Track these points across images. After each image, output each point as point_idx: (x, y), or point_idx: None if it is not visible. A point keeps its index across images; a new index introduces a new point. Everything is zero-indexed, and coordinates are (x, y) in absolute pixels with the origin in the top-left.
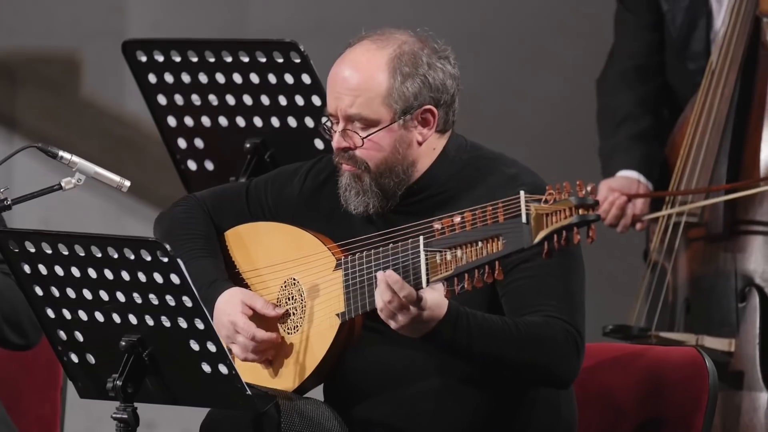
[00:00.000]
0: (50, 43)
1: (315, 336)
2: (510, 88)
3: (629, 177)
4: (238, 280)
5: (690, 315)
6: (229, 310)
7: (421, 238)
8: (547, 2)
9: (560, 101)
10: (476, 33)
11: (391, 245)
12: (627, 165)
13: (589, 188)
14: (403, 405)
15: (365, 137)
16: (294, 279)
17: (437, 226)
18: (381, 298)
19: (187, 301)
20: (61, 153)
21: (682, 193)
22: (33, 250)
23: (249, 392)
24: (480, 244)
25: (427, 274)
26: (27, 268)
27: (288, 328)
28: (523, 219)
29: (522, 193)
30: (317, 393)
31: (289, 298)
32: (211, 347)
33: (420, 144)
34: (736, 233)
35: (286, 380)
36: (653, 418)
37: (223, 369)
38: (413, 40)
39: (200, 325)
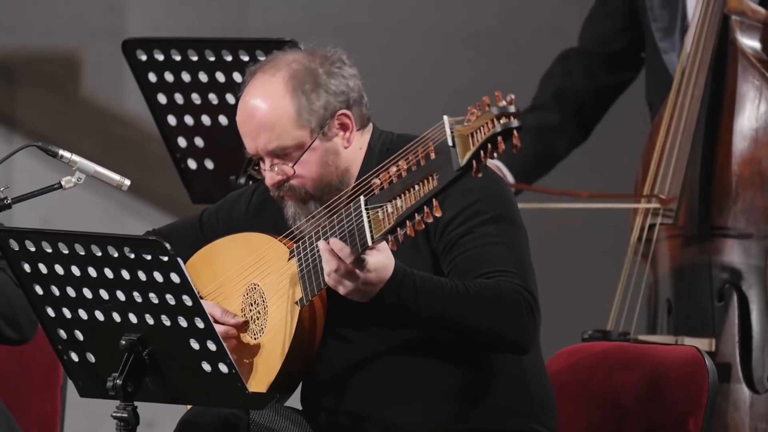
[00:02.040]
0: (50, 42)
1: (280, 332)
2: (509, 88)
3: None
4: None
5: (672, 316)
6: None
7: (362, 198)
8: (547, 2)
9: None
10: (475, 32)
11: (335, 216)
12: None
13: (508, 98)
14: (375, 402)
15: (294, 165)
16: (254, 284)
17: (376, 181)
18: (327, 267)
19: (187, 300)
20: (61, 152)
21: (527, 188)
22: (33, 249)
23: (249, 391)
24: (417, 187)
25: (371, 232)
26: (27, 267)
27: (254, 334)
28: (449, 142)
29: (445, 117)
30: (295, 400)
31: (252, 304)
32: (211, 346)
33: (346, 148)
34: (712, 233)
35: (258, 382)
36: (653, 417)
37: (223, 368)
38: (302, 56)
39: (200, 324)
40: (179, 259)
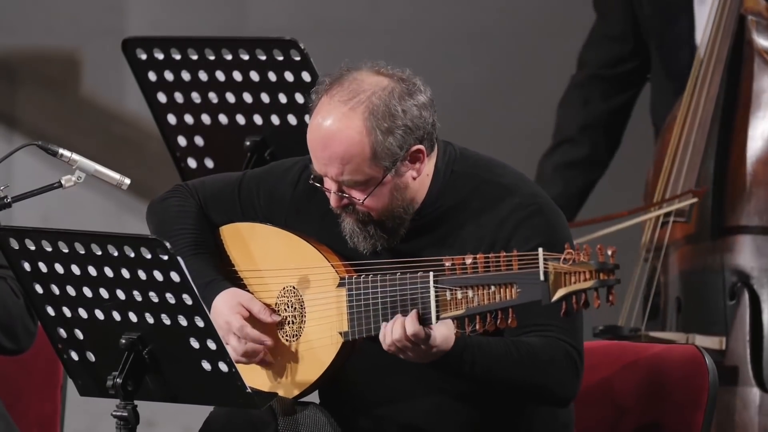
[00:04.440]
0: (50, 41)
1: (316, 349)
2: (510, 87)
3: None
4: (234, 278)
5: (681, 314)
6: (226, 311)
7: (431, 274)
8: (547, 2)
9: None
10: (476, 31)
11: (398, 274)
12: None
13: (609, 252)
14: (399, 409)
15: (364, 200)
16: (293, 287)
17: (448, 264)
18: (391, 337)
19: (187, 299)
20: (61, 151)
21: (580, 224)
22: (33, 247)
23: (249, 390)
24: (493, 288)
25: (438, 311)
26: (27, 266)
27: (287, 335)
28: (541, 277)
29: (540, 250)
30: (313, 396)
31: (287, 306)
32: (211, 345)
33: (415, 179)
34: (725, 231)
35: (285, 388)
36: (653, 416)
37: (223, 367)
38: (381, 86)
39: (200, 323)
40: (179, 258)
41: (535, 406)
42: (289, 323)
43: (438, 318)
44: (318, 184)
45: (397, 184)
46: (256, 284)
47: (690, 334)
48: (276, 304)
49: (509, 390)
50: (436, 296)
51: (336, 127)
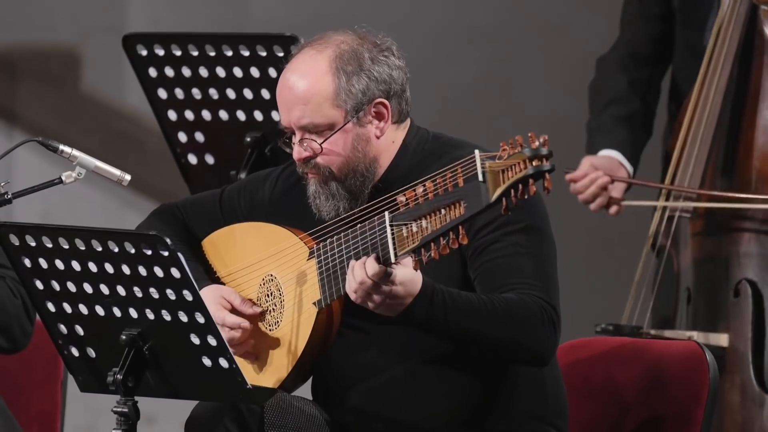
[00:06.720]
0: (50, 37)
1: (295, 328)
2: (510, 84)
3: (611, 157)
4: (218, 284)
5: (690, 306)
6: (210, 305)
7: (386, 213)
8: None
9: (561, 97)
10: (476, 28)
11: (358, 226)
12: (609, 144)
13: (541, 139)
14: (387, 399)
15: (322, 143)
16: (271, 275)
17: (401, 199)
18: (354, 281)
19: (188, 295)
20: (61, 147)
21: (671, 188)
22: (33, 243)
23: (249, 386)
24: (443, 211)
25: (395, 248)
26: (27, 262)
27: (269, 325)
28: (480, 177)
29: (477, 152)
30: (305, 391)
31: (268, 295)
32: (212, 341)
33: (378, 138)
34: (730, 227)
35: (270, 375)
36: (654, 411)
37: (223, 363)
38: (352, 38)
39: (200, 319)
40: (180, 254)
41: (522, 394)
42: (270, 312)
43: (396, 255)
44: (285, 144)
45: (358, 134)
46: (237, 285)
47: (691, 332)
48: (257, 296)
49: (484, 345)
50: (393, 234)
51: (301, 69)
